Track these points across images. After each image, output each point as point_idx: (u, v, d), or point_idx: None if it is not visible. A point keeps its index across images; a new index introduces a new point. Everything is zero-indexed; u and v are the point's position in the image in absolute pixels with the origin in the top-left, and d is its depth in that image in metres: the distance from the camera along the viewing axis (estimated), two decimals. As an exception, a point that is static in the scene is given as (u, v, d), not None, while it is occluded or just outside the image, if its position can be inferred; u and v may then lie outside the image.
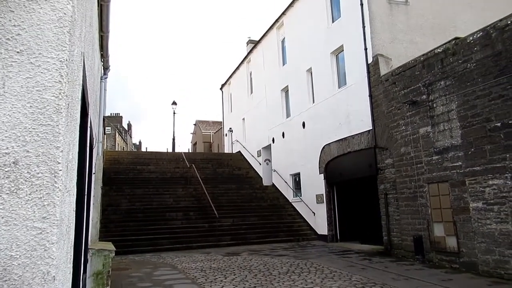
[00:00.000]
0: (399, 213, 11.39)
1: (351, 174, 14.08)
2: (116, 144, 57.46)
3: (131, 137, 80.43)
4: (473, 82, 9.05)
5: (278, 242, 15.09)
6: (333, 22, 15.49)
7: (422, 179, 10.48)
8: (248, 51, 25.06)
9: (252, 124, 23.63)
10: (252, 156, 23.13)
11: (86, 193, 4.81)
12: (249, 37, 26.73)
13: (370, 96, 12.78)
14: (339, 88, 15.00)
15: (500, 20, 8.67)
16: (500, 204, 8.28)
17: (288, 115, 19.18)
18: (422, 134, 10.52)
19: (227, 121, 29.12)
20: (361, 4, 13.25)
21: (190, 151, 40.62)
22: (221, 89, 30.28)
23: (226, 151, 28.77)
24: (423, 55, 10.76)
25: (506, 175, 8.15)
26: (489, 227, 8.49)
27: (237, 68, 26.41)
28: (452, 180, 9.50)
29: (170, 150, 31.71)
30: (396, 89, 11.61)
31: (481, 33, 8.98)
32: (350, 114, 13.91)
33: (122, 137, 64.86)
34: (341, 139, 14.38)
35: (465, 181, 9.14)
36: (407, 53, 12.77)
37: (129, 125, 79.79)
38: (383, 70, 12.44)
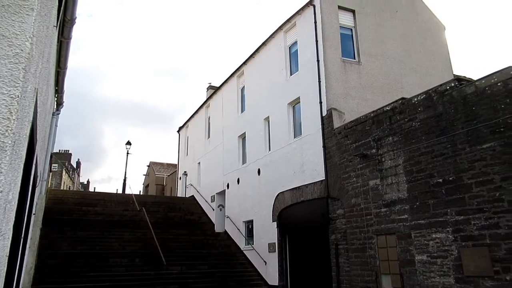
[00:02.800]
0: (349, 264, 11.47)
1: (304, 223, 14.16)
2: (62, 182, 54.37)
3: (79, 175, 76.63)
4: (417, 140, 9.68)
5: (227, 293, 14.52)
6: (291, 75, 16.22)
7: (371, 231, 10.74)
8: (208, 96, 25.42)
9: (207, 169, 23.44)
10: (206, 201, 22.72)
11: (22, 236, 4.46)
12: (210, 83, 27.24)
13: (324, 147, 13.24)
14: (294, 138, 15.42)
15: (441, 85, 9.53)
16: (442, 258, 8.62)
17: (244, 161, 19.28)
18: (372, 187, 10.93)
19: (182, 164, 28.71)
20: (318, 61, 14.07)
21: (141, 193, 39.19)
22: (178, 131, 30.10)
23: (179, 195, 28.08)
24: (373, 111, 11.44)
25: (448, 229, 8.57)
26: (433, 280, 8.75)
27: (196, 112, 26.55)
28: (399, 233, 9.82)
29: (120, 191, 30.41)
30: (348, 142, 12.13)
31: (424, 95, 9.77)
32: (305, 163, 14.25)
33: (69, 176, 61.61)
34: (295, 188, 14.57)
35: (411, 233, 9.48)
36: (358, 109, 13.54)
37: (78, 163, 76.29)
38: (337, 123, 13.03)
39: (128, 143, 30.33)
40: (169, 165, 40.67)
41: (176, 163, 30.51)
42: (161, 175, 38.85)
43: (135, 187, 62.72)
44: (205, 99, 25.60)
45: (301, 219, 14.27)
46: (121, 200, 22.08)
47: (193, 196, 24.94)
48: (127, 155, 30.45)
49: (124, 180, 29.98)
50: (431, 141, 9.31)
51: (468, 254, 8.07)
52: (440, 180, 8.93)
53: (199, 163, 24.97)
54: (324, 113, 13.49)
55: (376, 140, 10.99)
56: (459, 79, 10.03)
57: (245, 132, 19.33)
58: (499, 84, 8.05)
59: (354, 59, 14.82)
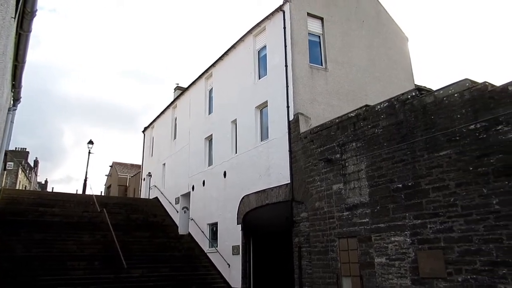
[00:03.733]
0: (311, 266, 11.64)
1: (268, 226, 14.23)
2: (18, 182, 51.73)
3: (36, 175, 73.22)
4: (379, 146, 9.99)
5: (190, 296, 14.33)
6: (259, 78, 16.31)
7: (333, 234, 10.96)
8: (175, 97, 25.08)
9: (172, 170, 23.09)
10: (170, 203, 22.35)
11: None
12: (177, 84, 26.88)
13: (290, 151, 13.39)
14: (261, 141, 15.50)
15: (402, 94, 9.90)
16: (400, 260, 8.92)
17: (210, 163, 19.15)
18: (335, 191, 11.16)
19: (146, 165, 28.12)
20: (286, 66, 14.24)
21: (103, 194, 37.99)
22: (143, 132, 29.48)
23: (142, 196, 27.45)
24: (338, 117, 11.70)
25: (406, 232, 8.89)
26: (391, 282, 9.03)
27: (162, 112, 26.12)
28: (360, 236, 10.08)
29: (80, 192, 29.32)
30: (314, 147, 12.34)
31: (386, 103, 10.11)
32: (270, 167, 14.34)
33: (25, 175, 58.74)
34: (260, 191, 14.63)
35: (371, 237, 9.76)
36: (324, 114, 13.81)
37: (36, 162, 72.91)
38: (303, 128, 13.22)
39: (90, 142, 29.35)
40: (132, 165, 39.70)
41: (140, 164, 29.85)
42: (124, 175, 37.85)
43: (96, 188, 60.70)
44: (172, 99, 25.25)
45: (266, 222, 14.34)
46: (81, 200, 21.30)
47: (157, 197, 24.47)
48: (89, 155, 29.45)
49: (85, 181, 28.94)
50: (392, 148, 9.64)
51: (424, 256, 8.40)
52: (400, 185, 9.26)
53: (164, 164, 24.56)
54: (291, 118, 13.66)
55: (341, 145, 11.24)
56: (419, 89, 10.48)
57: (212, 134, 19.22)
58: (455, 95, 8.46)
59: (322, 65, 15.13)
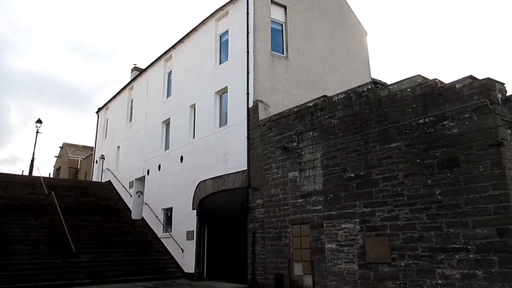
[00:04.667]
0: (264, 252, 11.85)
1: (224, 212, 14.28)
2: (-45, 160, 48.06)
3: (-23, 154, 68.40)
4: (335, 136, 10.27)
5: (141, 281, 14.13)
6: (220, 64, 16.12)
7: (287, 220, 11.20)
8: (132, 78, 24.22)
9: (127, 153, 22.42)
10: (124, 187, 21.75)
11: None
12: (135, 64, 25.94)
13: (248, 138, 13.42)
14: (220, 127, 15.41)
15: (359, 86, 10.19)
16: (349, 246, 9.30)
17: (167, 147, 18.80)
18: (291, 178, 11.37)
19: (99, 147, 27.10)
20: (247, 52, 14.15)
21: (51, 177, 36.26)
22: (97, 112, 28.31)
23: (94, 179, 26.49)
24: (296, 106, 11.86)
25: (356, 220, 9.27)
26: (340, 267, 9.41)
27: (118, 93, 25.17)
28: (313, 222, 10.38)
29: (26, 173, 27.75)
30: (272, 134, 12.45)
31: (344, 95, 10.37)
32: (228, 153, 14.32)
33: (-36, 153, 54.65)
34: (217, 177, 14.60)
35: (323, 223, 10.08)
36: (283, 103, 13.94)
37: (-23, 140, 68.02)
38: (262, 115, 13.28)
39: (39, 121, 27.74)
40: (84, 147, 38.12)
41: (93, 146, 28.72)
42: (75, 157, 36.28)
43: (45, 170, 57.76)
44: (129, 80, 24.38)
45: (222, 208, 14.37)
46: (27, 182, 20.20)
47: (109, 181, 23.72)
48: (37, 134, 27.85)
49: (32, 161, 27.39)
50: (347, 138, 9.94)
51: (371, 243, 8.81)
52: (352, 174, 9.59)
53: (118, 147, 23.79)
54: (251, 105, 13.66)
55: (298, 134, 11.43)
56: (375, 82, 10.83)
57: (169, 118, 18.83)
58: (408, 90, 8.84)
59: (283, 54, 15.19)
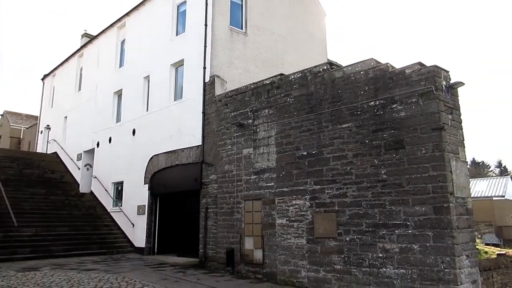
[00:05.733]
0: (216, 227, 11.98)
1: (177, 187, 14.18)
2: None
3: None
4: (290, 115, 10.41)
5: (89, 255, 13.81)
6: (177, 35, 15.62)
7: (240, 196, 11.34)
8: (82, 44, 22.87)
9: (75, 124, 21.39)
10: (71, 159, 20.85)
11: None
12: (85, 30, 24.49)
13: (203, 113, 13.27)
14: (175, 100, 15.08)
15: (315, 66, 10.33)
16: (299, 221, 9.63)
17: (118, 120, 18.16)
18: (245, 155, 11.45)
19: (45, 117, 25.60)
20: (206, 25, 13.80)
21: (-10, 146, 33.86)
22: (43, 80, 26.58)
23: (39, 150, 25.13)
24: (253, 83, 11.84)
25: (306, 196, 9.57)
26: (289, 241, 9.75)
27: (66, 60, 23.74)
28: (265, 199, 10.60)
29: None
30: (227, 111, 12.39)
31: (300, 74, 10.49)
32: (182, 127, 14.11)
33: None
34: (171, 151, 14.39)
35: (275, 200, 10.32)
36: (240, 79, 13.86)
37: None
38: (218, 90, 13.14)
39: (-24, 85, 25.59)
40: (28, 116, 35.84)
41: (38, 115, 27.07)
42: (17, 127, 34.05)
43: (-17, 139, 53.75)
44: (79, 47, 23.01)
45: (174, 183, 14.25)
46: (-38, 151, 18.77)
47: (56, 153, 22.62)
48: (-26, 100, 25.72)
49: (-32, 129, 25.41)
50: (301, 117, 10.11)
51: (320, 218, 9.18)
52: (305, 153, 9.83)
53: (66, 117, 22.62)
54: (207, 79, 13.45)
55: (254, 111, 11.46)
56: (331, 63, 11.03)
57: (122, 89, 18.12)
58: (361, 72, 9.09)
59: (242, 29, 14.99)
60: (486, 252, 13.56)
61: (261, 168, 10.88)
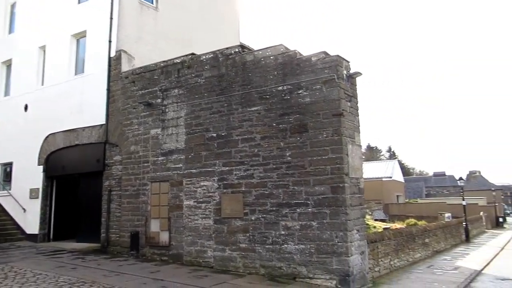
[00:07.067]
0: (120, 210, 11.46)
1: (77, 168, 13.18)
2: None
3: None
4: (200, 96, 10.28)
5: (-31, 245, 12.25)
6: (79, 2, 14.27)
7: (146, 178, 10.98)
8: (-40, 3, 19.62)
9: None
10: None
11: None
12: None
13: (108, 90, 12.45)
14: (75, 75, 13.89)
15: (227, 48, 10.30)
16: (206, 203, 9.68)
17: (7, 93, 16.19)
18: (153, 135, 11.07)
19: None
20: (112, -5, 12.83)
21: None
22: None
23: None
24: (163, 61, 11.41)
25: (214, 178, 9.63)
26: (196, 222, 9.76)
27: None
28: (173, 180, 10.41)
29: None
30: (135, 88, 11.79)
31: (211, 55, 10.37)
32: (84, 104, 13.07)
33: None
34: (70, 130, 13.29)
35: (183, 181, 10.20)
36: (150, 56, 13.21)
37: None
38: (125, 67, 12.41)
39: None
40: None
41: None
42: None
43: None
44: (-45, 5, 19.69)
45: (74, 164, 13.22)
46: None
47: None
48: None
49: None
50: (211, 99, 10.06)
51: (227, 199, 9.33)
52: (214, 134, 9.84)
53: None
54: (113, 54, 12.60)
55: (163, 90, 11.08)
56: (243, 46, 11.07)
57: (11, 59, 16.14)
58: (271, 57, 9.31)
59: (152, 3, 14.26)
60: (374, 227, 15.17)
61: (170, 149, 10.63)
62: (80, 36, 14.06)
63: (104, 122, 12.34)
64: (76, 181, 13.58)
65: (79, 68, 13.92)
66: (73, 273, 8.40)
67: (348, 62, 8.83)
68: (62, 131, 13.51)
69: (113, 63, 12.54)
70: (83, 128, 12.93)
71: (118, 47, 12.58)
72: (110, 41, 12.65)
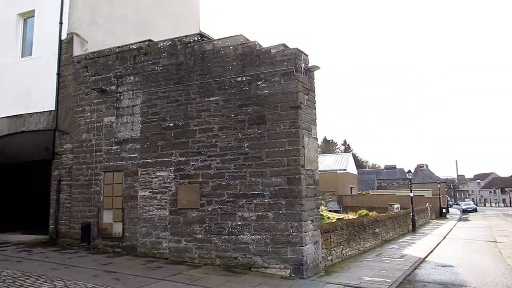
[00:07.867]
0: (71, 200, 11.00)
1: (23, 157, 12.43)
2: None
3: None
4: (157, 84, 10.03)
5: None
6: (26, -21, 13.34)
7: (99, 167, 10.59)
8: None
9: None
10: None
11: None
12: None
13: (58, 75, 11.83)
14: (22, 57, 13.04)
15: (186, 36, 10.09)
16: (162, 193, 9.51)
17: None
18: (106, 123, 10.67)
19: None
20: (63, -27, 12.12)
21: None
22: None
23: None
24: (119, 47, 10.99)
25: (171, 168, 9.47)
26: (151, 213, 9.57)
27: None
28: (127, 170, 10.12)
29: None
30: (87, 74, 11.28)
31: (170, 43, 10.12)
32: (32, 89, 12.33)
33: None
34: (15, 116, 12.51)
35: (138, 171, 9.95)
36: (104, 41, 12.64)
37: None
38: (77, 51, 11.82)
39: None
40: None
41: None
42: None
43: None
44: None
45: (19, 152, 12.47)
46: None
47: None
48: None
49: None
50: (169, 87, 9.84)
51: (183, 190, 9.22)
52: (171, 124, 9.65)
53: None
54: (64, 37, 11.95)
55: (118, 77, 10.69)
56: (202, 35, 10.88)
57: None
58: (231, 47, 9.24)
59: (107, -15, 13.60)
60: (328, 218, 15.64)
61: (124, 138, 10.31)
62: (27, 16, 13.20)
63: (54, 108, 11.72)
64: (23, 170, 12.82)
65: (27, 50, 13.08)
66: (18, 267, 7.97)
67: (307, 55, 8.95)
68: (6, 117, 12.69)
69: (64, 46, 11.90)
70: (31, 114, 12.22)
71: (70, 29, 11.95)
72: (61, 23, 11.98)
